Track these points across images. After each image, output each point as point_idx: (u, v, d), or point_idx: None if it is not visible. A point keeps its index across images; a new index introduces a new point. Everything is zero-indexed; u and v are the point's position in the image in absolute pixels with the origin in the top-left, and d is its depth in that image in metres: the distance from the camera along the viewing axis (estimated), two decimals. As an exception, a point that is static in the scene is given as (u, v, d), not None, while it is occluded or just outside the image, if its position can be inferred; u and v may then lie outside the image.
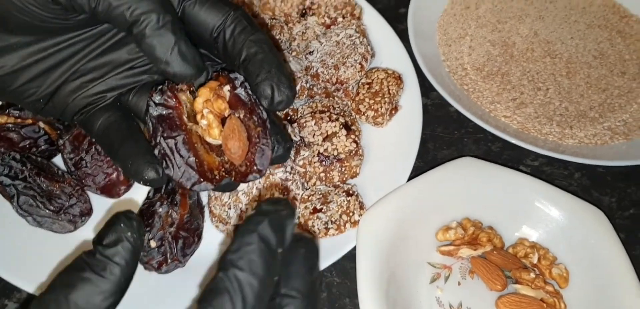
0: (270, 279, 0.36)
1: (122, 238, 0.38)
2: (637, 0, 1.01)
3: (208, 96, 0.48)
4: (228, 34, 0.48)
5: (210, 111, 0.48)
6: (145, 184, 0.48)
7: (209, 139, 0.48)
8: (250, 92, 0.48)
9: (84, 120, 0.52)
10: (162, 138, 0.46)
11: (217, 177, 0.47)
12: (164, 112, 0.47)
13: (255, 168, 0.47)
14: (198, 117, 0.48)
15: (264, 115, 0.48)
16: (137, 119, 0.53)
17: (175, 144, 0.46)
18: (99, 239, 0.38)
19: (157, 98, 0.48)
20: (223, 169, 0.48)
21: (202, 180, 0.46)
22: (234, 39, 0.48)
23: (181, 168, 0.46)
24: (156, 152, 0.47)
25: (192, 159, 0.46)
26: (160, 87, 0.48)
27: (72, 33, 0.49)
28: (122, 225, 0.38)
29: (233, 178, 0.47)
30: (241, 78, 0.49)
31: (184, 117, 0.48)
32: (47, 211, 0.65)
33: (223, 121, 0.48)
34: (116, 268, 0.37)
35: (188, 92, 0.49)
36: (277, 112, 0.58)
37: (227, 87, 0.49)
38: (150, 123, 0.47)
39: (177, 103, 0.48)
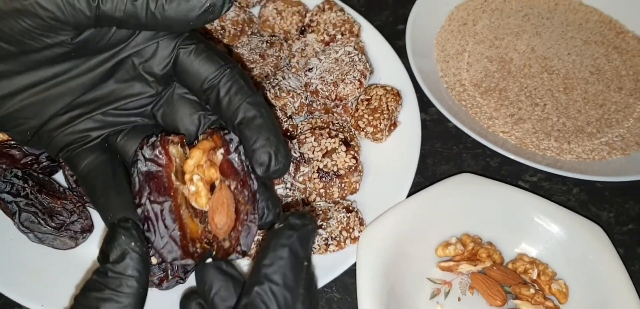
0: (298, 290, 0.40)
1: (127, 250, 0.39)
2: (633, 17, 1.02)
3: (200, 160, 0.46)
4: (223, 92, 0.47)
5: (200, 178, 0.45)
6: None
7: (194, 204, 0.46)
8: (243, 159, 0.46)
9: (69, 157, 0.50)
10: (148, 200, 0.44)
11: (198, 251, 0.45)
12: (153, 169, 0.45)
13: (239, 248, 0.45)
14: (187, 177, 0.46)
15: (255, 186, 0.46)
16: (124, 162, 0.51)
17: (162, 211, 0.44)
18: (104, 257, 0.40)
19: (147, 152, 0.45)
20: (205, 239, 0.45)
21: (184, 256, 0.44)
22: (229, 98, 0.46)
23: (164, 239, 0.43)
24: (139, 211, 0.44)
25: (176, 232, 0.44)
26: (152, 140, 0.46)
27: (64, 65, 0.47)
28: (123, 237, 0.40)
29: (214, 252, 0.45)
30: (236, 141, 0.46)
31: (173, 177, 0.45)
32: (48, 227, 0.65)
33: (212, 185, 0.46)
34: (131, 281, 0.39)
35: (179, 145, 0.47)
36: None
37: (221, 151, 0.46)
38: (137, 179, 0.45)
39: (168, 160, 0.46)
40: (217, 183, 0.45)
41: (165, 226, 0.43)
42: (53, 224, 0.66)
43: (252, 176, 0.46)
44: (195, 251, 0.44)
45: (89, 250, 0.68)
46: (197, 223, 0.45)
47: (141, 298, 0.39)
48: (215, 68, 0.47)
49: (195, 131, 0.49)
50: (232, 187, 0.45)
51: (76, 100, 0.49)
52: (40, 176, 0.69)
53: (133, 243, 0.39)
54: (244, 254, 0.45)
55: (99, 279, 0.39)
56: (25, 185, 0.66)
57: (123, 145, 0.50)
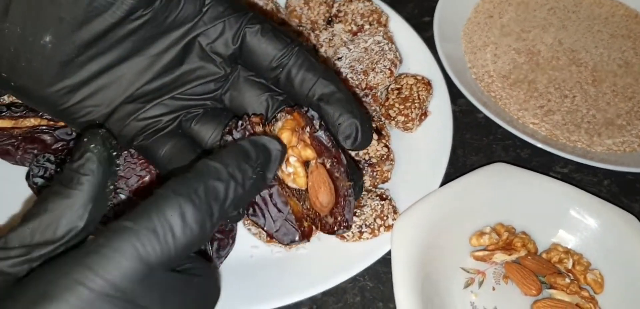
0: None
1: (87, 150, 0.37)
2: (660, 11, 1.01)
3: (291, 139, 0.45)
4: (295, 70, 0.47)
5: (297, 159, 0.45)
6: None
7: (291, 185, 0.46)
8: (329, 135, 0.46)
9: (144, 146, 0.50)
10: None
11: (306, 230, 0.45)
12: None
13: (345, 223, 0.45)
14: None
15: (345, 161, 0.46)
16: (200, 147, 0.51)
17: (270, 195, 0.44)
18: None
19: (238, 135, 0.45)
20: (308, 218, 0.46)
21: (302, 238, 0.44)
22: (302, 75, 0.47)
23: (277, 222, 0.44)
24: None
25: (291, 215, 0.44)
26: (240, 122, 0.46)
27: (133, 46, 0.47)
28: (85, 139, 0.38)
29: (319, 229, 0.46)
30: (317, 117, 0.46)
31: None
32: (81, 212, 0.65)
33: (305, 164, 0.46)
34: (82, 178, 0.37)
35: (260, 125, 0.47)
36: None
37: (308, 129, 0.46)
38: None
39: None
40: (312, 162, 0.45)
41: (279, 210, 0.44)
42: (85, 209, 0.65)
43: (342, 152, 0.46)
44: (304, 231, 0.45)
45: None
46: (296, 202, 0.45)
47: (92, 197, 0.37)
48: (282, 46, 0.47)
49: (264, 113, 0.49)
50: (328, 165, 0.45)
51: (145, 86, 0.49)
52: (72, 161, 0.68)
53: (93, 145, 0.38)
54: (348, 227, 0.45)
55: (57, 178, 0.38)
56: (59, 170, 0.66)
57: (198, 130, 0.51)
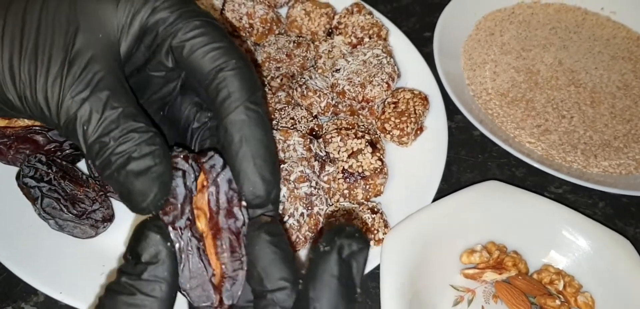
0: None
1: (161, 251, 0.35)
2: (662, 35, 1.01)
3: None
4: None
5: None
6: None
7: None
8: (230, 197, 0.39)
9: None
10: (188, 229, 0.37)
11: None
12: (194, 193, 0.38)
13: (224, 304, 0.38)
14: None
15: (240, 223, 0.39)
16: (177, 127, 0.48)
17: (199, 248, 0.37)
18: (134, 254, 0.36)
19: (191, 174, 0.38)
20: None
21: (217, 305, 0.38)
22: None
23: (195, 279, 0.37)
24: (171, 232, 0.37)
25: (214, 278, 0.38)
26: (212, 163, 0.39)
27: None
28: (158, 237, 0.36)
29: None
30: (219, 165, 0.39)
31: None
32: (69, 214, 0.65)
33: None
34: (164, 285, 0.35)
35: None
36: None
37: (213, 190, 0.39)
38: (182, 189, 0.38)
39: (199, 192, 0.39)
40: (203, 233, 0.39)
41: (205, 267, 0.37)
42: (74, 211, 0.65)
43: (240, 210, 0.39)
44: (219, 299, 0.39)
45: (107, 240, 0.67)
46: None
47: (172, 304, 0.36)
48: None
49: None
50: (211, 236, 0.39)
51: None
52: (64, 163, 0.68)
53: (169, 244, 0.36)
54: (230, 307, 0.39)
55: (130, 282, 0.35)
56: (49, 171, 0.65)
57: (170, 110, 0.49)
